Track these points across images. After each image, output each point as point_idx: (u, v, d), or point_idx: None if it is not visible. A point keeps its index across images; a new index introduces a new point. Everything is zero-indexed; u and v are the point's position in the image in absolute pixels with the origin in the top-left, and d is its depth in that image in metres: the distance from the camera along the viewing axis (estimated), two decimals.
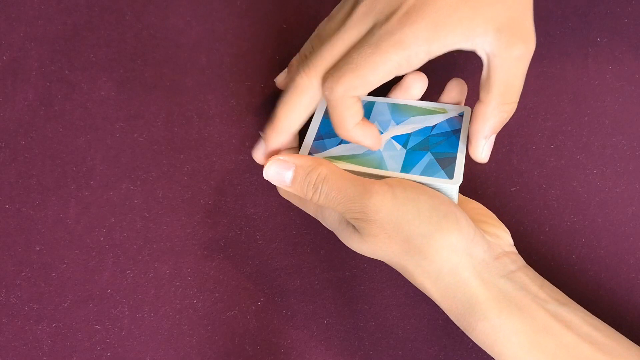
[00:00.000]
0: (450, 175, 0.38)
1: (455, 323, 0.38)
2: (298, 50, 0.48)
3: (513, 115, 0.47)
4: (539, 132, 0.46)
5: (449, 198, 0.38)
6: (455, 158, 0.39)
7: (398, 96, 0.43)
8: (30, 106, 0.47)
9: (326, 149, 0.41)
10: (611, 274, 0.44)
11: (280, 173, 0.38)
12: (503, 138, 0.47)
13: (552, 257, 0.44)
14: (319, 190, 0.37)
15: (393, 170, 0.39)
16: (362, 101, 0.43)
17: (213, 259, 0.45)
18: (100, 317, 0.44)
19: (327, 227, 0.41)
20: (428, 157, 0.40)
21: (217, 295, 0.45)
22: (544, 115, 0.47)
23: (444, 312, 0.45)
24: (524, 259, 0.44)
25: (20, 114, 0.47)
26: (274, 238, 0.46)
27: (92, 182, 0.46)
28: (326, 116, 0.42)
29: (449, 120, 0.41)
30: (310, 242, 0.46)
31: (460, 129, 0.41)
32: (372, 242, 0.37)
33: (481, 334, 0.36)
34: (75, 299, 0.44)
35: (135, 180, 0.46)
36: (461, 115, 0.42)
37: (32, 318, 0.44)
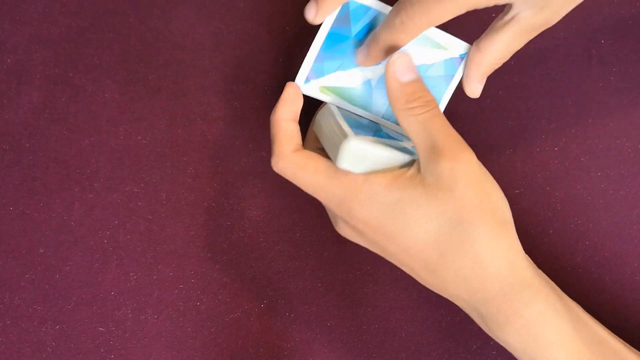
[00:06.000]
0: None
1: (485, 318, 0.36)
2: (302, 53, 0.48)
3: (516, 117, 0.47)
4: (542, 135, 0.46)
5: None
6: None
7: None
8: (35, 109, 0.47)
9: (323, 75, 0.40)
10: (615, 277, 0.44)
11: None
12: (506, 140, 0.46)
13: (556, 260, 0.44)
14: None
15: (376, 113, 0.40)
16: (361, 4, 0.40)
17: (216, 261, 0.45)
18: (104, 319, 0.44)
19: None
20: None
21: (220, 297, 0.45)
22: (548, 117, 0.46)
23: (447, 315, 0.45)
24: None
25: (25, 116, 0.47)
26: (277, 240, 0.46)
27: (95, 185, 0.46)
28: (330, 36, 0.41)
29: (447, 62, 0.41)
30: (313, 244, 0.46)
31: (454, 75, 0.41)
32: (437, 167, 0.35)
33: (529, 321, 0.34)
34: (79, 301, 0.45)
35: (139, 182, 0.46)
36: (462, 58, 0.41)
37: (36, 320, 0.44)
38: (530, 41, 0.39)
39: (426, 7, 0.35)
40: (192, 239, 0.46)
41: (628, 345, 0.38)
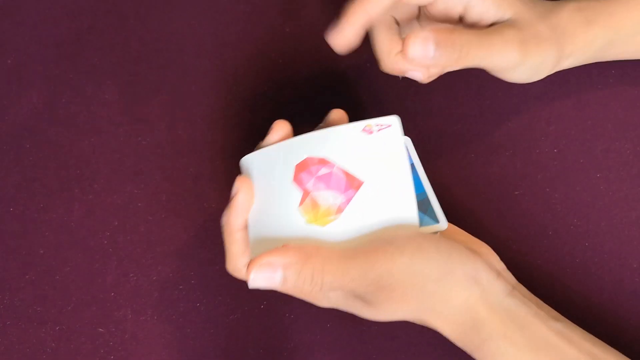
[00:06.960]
0: (435, 219, 0.37)
1: (460, 345, 0.38)
2: (301, 55, 0.49)
3: (516, 118, 0.47)
4: (542, 136, 0.46)
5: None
6: (428, 199, 0.37)
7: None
8: (35, 110, 0.47)
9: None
10: (615, 278, 0.44)
11: (268, 278, 0.35)
12: (506, 142, 0.46)
13: (555, 261, 0.44)
14: (320, 284, 0.35)
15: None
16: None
17: (216, 262, 0.45)
18: (104, 320, 0.44)
19: (330, 306, 0.38)
20: None
21: (220, 298, 0.45)
22: (547, 119, 0.47)
23: None
24: (527, 263, 0.44)
25: (25, 117, 0.47)
26: None
27: (95, 186, 0.46)
28: None
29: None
30: None
31: (413, 163, 0.37)
32: (386, 306, 0.36)
33: (488, 353, 0.36)
34: (79, 302, 0.45)
35: (139, 183, 0.46)
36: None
37: (36, 321, 0.44)
38: None
39: None
40: (192, 240, 0.46)
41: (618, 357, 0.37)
